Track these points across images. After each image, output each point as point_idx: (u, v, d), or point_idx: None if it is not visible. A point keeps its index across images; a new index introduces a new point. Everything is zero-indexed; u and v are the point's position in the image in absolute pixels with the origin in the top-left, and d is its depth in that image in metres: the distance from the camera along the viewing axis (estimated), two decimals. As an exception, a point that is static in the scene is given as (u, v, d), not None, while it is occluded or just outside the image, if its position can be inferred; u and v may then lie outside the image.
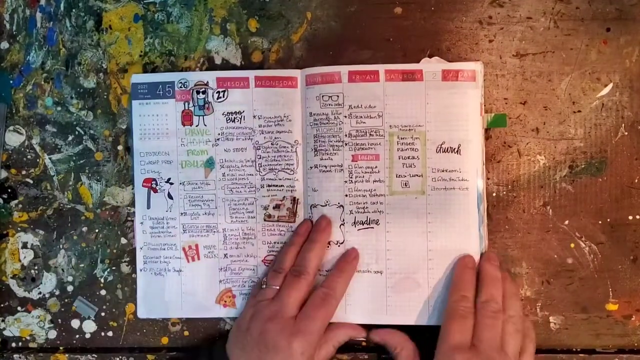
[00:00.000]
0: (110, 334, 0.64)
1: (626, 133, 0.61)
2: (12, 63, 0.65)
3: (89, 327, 0.64)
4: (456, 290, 0.57)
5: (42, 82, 0.64)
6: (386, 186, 0.60)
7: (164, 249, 0.63)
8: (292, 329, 0.54)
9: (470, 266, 0.58)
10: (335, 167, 0.60)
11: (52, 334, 0.65)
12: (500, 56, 0.61)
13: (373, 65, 0.60)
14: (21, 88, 0.64)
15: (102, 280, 0.64)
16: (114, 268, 0.64)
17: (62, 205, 0.64)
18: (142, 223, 0.63)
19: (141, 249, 0.63)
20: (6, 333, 0.65)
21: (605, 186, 0.61)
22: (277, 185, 0.62)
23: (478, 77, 0.59)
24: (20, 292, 0.65)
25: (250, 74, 0.62)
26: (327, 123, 0.60)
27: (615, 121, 0.61)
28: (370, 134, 0.60)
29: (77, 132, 0.64)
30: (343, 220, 0.60)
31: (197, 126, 0.63)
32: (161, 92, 0.63)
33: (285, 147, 0.62)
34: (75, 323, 0.64)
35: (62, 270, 0.64)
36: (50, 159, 0.64)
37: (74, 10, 0.64)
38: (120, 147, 0.64)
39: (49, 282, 0.65)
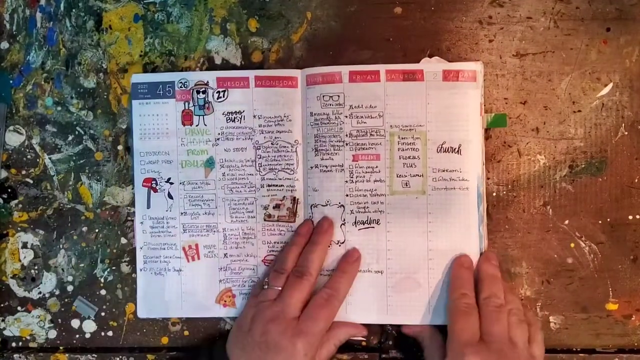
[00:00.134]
0: (110, 333, 0.64)
1: (626, 133, 0.61)
2: (12, 63, 0.65)
3: (89, 327, 0.64)
4: (455, 289, 0.57)
5: (42, 82, 0.64)
6: (387, 186, 0.60)
7: (164, 249, 0.63)
8: (295, 330, 0.54)
9: (467, 265, 0.59)
10: (336, 167, 0.60)
11: (52, 334, 0.65)
12: (500, 56, 0.61)
13: (374, 65, 0.60)
14: (21, 88, 0.64)
15: (102, 280, 0.64)
16: (114, 268, 0.64)
17: (62, 205, 0.64)
18: (142, 223, 0.63)
19: (141, 248, 0.63)
20: (6, 333, 0.65)
21: (605, 186, 0.61)
22: (277, 185, 0.62)
23: (478, 77, 0.59)
24: (20, 292, 0.65)
25: (250, 73, 0.62)
26: (327, 123, 0.61)
27: (615, 121, 0.61)
28: (371, 134, 0.60)
29: (77, 132, 0.64)
30: (344, 220, 0.60)
31: (197, 126, 0.63)
32: (161, 92, 0.63)
33: (285, 147, 0.62)
34: (75, 323, 0.64)
35: (62, 270, 0.64)
36: (50, 159, 0.64)
37: (74, 10, 0.64)
38: (120, 147, 0.64)
39: (49, 282, 0.64)
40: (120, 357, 0.64)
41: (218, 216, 0.63)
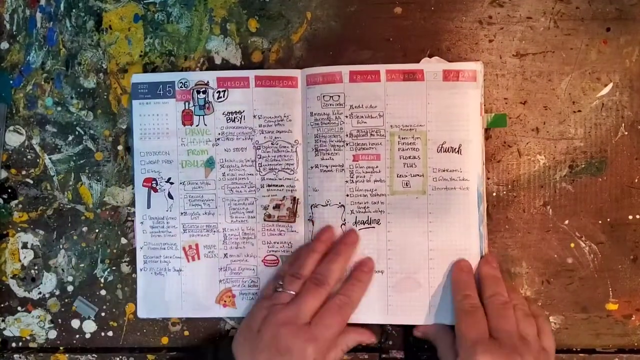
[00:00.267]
0: (110, 334, 0.64)
1: (626, 133, 0.61)
2: (12, 63, 0.65)
3: (89, 327, 0.64)
4: (458, 291, 0.57)
5: (42, 82, 0.64)
6: (387, 186, 0.60)
7: (164, 249, 0.63)
8: (307, 335, 0.54)
9: (466, 269, 0.59)
10: (336, 167, 0.60)
11: (52, 334, 0.65)
12: (500, 56, 0.61)
13: (374, 65, 0.60)
14: (21, 88, 0.64)
15: (102, 280, 0.64)
16: (114, 268, 0.64)
17: (62, 205, 0.64)
18: (142, 223, 0.63)
19: (141, 248, 0.63)
20: (6, 333, 0.65)
21: (605, 186, 0.61)
22: (277, 185, 0.62)
23: (478, 77, 0.59)
24: (20, 292, 0.65)
25: (251, 73, 0.62)
26: (328, 123, 0.61)
27: (615, 121, 0.61)
28: (371, 134, 0.60)
29: (77, 132, 0.64)
30: (344, 220, 0.60)
31: (197, 126, 0.63)
32: (161, 92, 0.63)
33: (285, 146, 0.62)
34: (75, 323, 0.64)
35: (62, 270, 0.64)
36: (50, 159, 0.64)
37: (74, 10, 0.64)
38: (120, 147, 0.64)
39: (49, 282, 0.64)
40: (120, 357, 0.64)
41: (218, 216, 0.63)
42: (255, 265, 0.63)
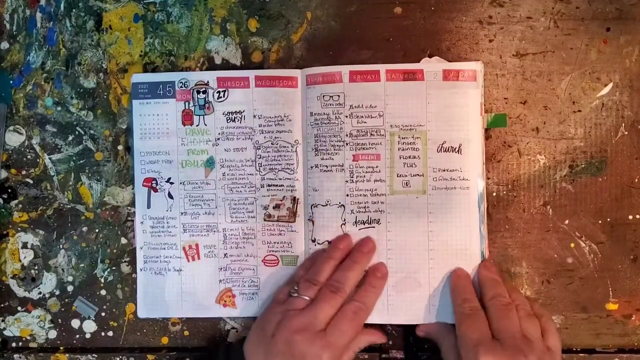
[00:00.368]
0: (110, 334, 0.64)
1: (626, 133, 0.61)
2: (12, 63, 0.65)
3: (89, 327, 0.64)
4: (457, 296, 0.57)
5: (42, 82, 0.64)
6: (387, 186, 0.60)
7: (164, 249, 0.63)
8: (322, 342, 0.53)
9: (464, 276, 0.59)
10: (336, 167, 0.60)
11: (52, 334, 0.65)
12: (500, 56, 0.62)
13: (374, 65, 0.60)
14: (21, 88, 0.64)
15: (102, 280, 0.64)
16: (114, 268, 0.64)
17: (62, 205, 0.64)
18: (142, 223, 0.63)
19: (141, 248, 0.63)
20: (6, 333, 0.65)
21: (605, 186, 0.61)
22: (277, 185, 0.62)
23: (478, 76, 0.59)
24: (20, 292, 0.65)
25: (251, 73, 0.62)
26: (328, 123, 0.61)
27: (615, 121, 0.61)
28: (371, 134, 0.60)
29: (77, 132, 0.64)
30: (344, 219, 0.60)
31: (197, 126, 0.63)
32: (161, 92, 0.63)
33: (285, 146, 0.62)
34: (75, 323, 0.64)
35: (62, 270, 0.64)
36: (50, 159, 0.64)
37: (74, 10, 0.64)
38: (120, 147, 0.64)
39: (49, 282, 0.64)
40: (121, 357, 0.64)
41: (218, 216, 0.63)
42: (255, 265, 0.63)
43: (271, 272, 0.62)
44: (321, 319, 0.54)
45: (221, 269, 0.63)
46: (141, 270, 0.63)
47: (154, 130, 0.63)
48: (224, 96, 0.62)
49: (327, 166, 0.61)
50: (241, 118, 0.62)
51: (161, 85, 0.63)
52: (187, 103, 0.62)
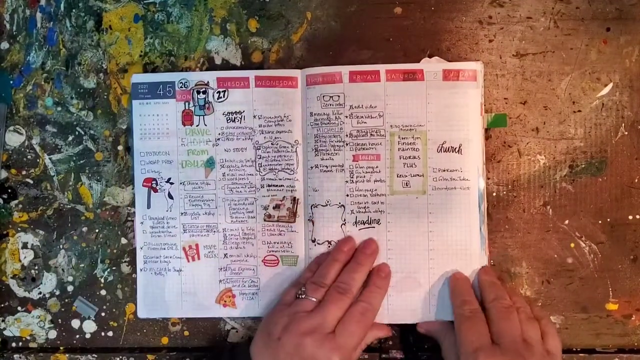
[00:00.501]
0: (110, 334, 0.64)
1: (626, 133, 0.61)
2: (12, 63, 0.65)
3: (89, 327, 0.64)
4: (456, 298, 0.57)
5: (42, 82, 0.64)
6: (387, 186, 0.60)
7: (164, 249, 0.63)
8: (332, 345, 0.53)
9: (462, 278, 0.59)
10: (336, 167, 0.60)
11: (52, 334, 0.65)
12: (500, 56, 0.61)
13: (374, 65, 0.60)
14: (21, 88, 0.64)
15: (102, 280, 0.64)
16: (114, 268, 0.64)
17: (62, 205, 0.64)
18: (142, 223, 0.63)
19: (141, 248, 0.63)
20: (6, 333, 0.65)
21: (605, 186, 0.61)
22: (277, 185, 0.62)
23: (478, 76, 0.59)
24: (20, 292, 0.65)
25: (251, 74, 0.62)
26: (328, 123, 0.61)
27: (615, 121, 0.61)
28: (371, 134, 0.60)
29: (77, 132, 0.64)
30: (344, 220, 0.60)
31: (197, 126, 0.63)
32: (162, 92, 0.63)
33: (285, 147, 0.62)
34: (75, 323, 0.64)
35: (62, 270, 0.64)
36: (50, 159, 0.64)
37: (74, 10, 0.64)
38: (120, 147, 0.64)
39: (49, 282, 0.64)
40: (120, 357, 0.64)
41: (218, 216, 0.63)
42: (255, 265, 0.63)
43: (271, 272, 0.62)
44: (330, 321, 0.54)
45: (221, 269, 0.63)
46: (141, 270, 0.63)
47: (154, 130, 0.63)
48: (224, 96, 0.62)
49: (327, 166, 0.61)
50: (241, 118, 0.62)
51: (161, 86, 0.63)
52: (187, 103, 0.62)
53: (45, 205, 0.65)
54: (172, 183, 0.63)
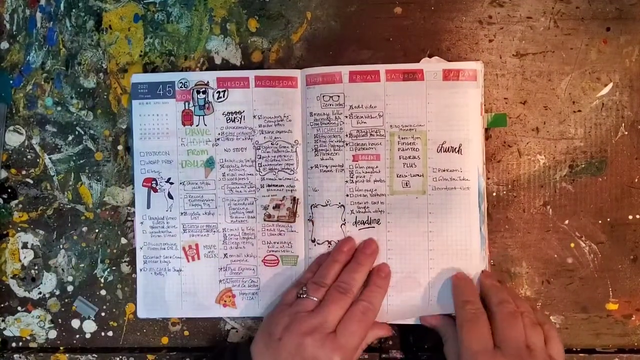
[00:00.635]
0: (110, 334, 0.64)
1: (626, 133, 0.61)
2: (12, 63, 0.65)
3: (89, 327, 0.64)
4: (458, 298, 0.57)
5: (42, 82, 0.64)
6: (387, 186, 0.60)
7: (164, 249, 0.63)
8: (333, 345, 0.53)
9: (464, 278, 0.58)
10: (336, 167, 0.60)
11: (52, 334, 0.65)
12: (500, 56, 0.61)
13: (374, 65, 0.60)
14: (21, 88, 0.64)
15: (102, 280, 0.64)
16: (114, 268, 0.64)
17: (62, 205, 0.64)
18: (142, 223, 0.63)
19: (141, 248, 0.63)
20: (6, 333, 0.65)
21: (605, 186, 0.61)
22: (277, 185, 0.62)
23: (479, 76, 0.59)
24: (20, 292, 0.65)
25: (250, 74, 0.62)
26: (328, 123, 0.61)
27: (615, 121, 0.61)
28: (371, 134, 0.60)
29: (77, 132, 0.64)
30: (344, 220, 0.60)
31: (197, 126, 0.63)
32: (161, 92, 0.63)
33: (285, 147, 0.62)
34: (75, 323, 0.64)
35: (62, 270, 0.64)
36: (50, 159, 0.64)
37: (74, 10, 0.64)
38: (120, 147, 0.64)
39: (49, 282, 0.64)
40: (120, 357, 0.64)
41: (218, 216, 0.63)
42: (255, 265, 0.63)
43: (271, 272, 0.62)
44: (331, 321, 0.54)
45: (221, 269, 0.63)
46: (141, 270, 0.63)
47: (153, 130, 0.63)
48: (223, 96, 0.62)
49: (327, 166, 0.61)
50: (241, 118, 0.62)
51: (161, 86, 0.63)
52: (187, 103, 0.62)
53: (45, 205, 0.65)
54: (172, 183, 0.63)
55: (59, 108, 0.64)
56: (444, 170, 0.59)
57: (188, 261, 0.63)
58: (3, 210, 0.65)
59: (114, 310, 0.64)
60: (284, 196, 0.62)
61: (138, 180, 0.63)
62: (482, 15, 0.62)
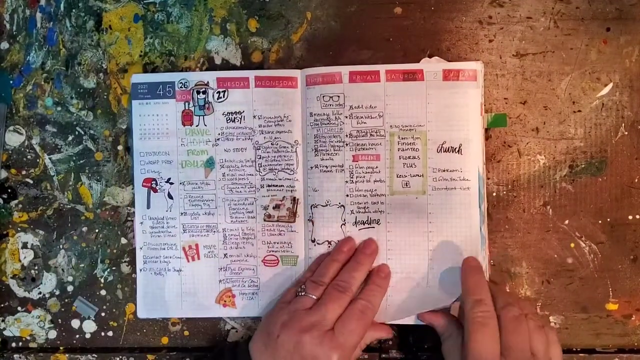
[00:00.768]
0: (110, 334, 0.64)
1: (626, 133, 0.61)
2: (12, 63, 0.65)
3: (89, 327, 0.64)
4: (469, 296, 0.54)
5: (42, 82, 0.64)
6: (387, 186, 0.60)
7: (164, 249, 0.63)
8: (332, 343, 0.53)
9: (477, 269, 0.56)
10: (336, 167, 0.60)
11: (52, 334, 0.65)
12: (500, 56, 0.61)
13: (374, 66, 0.60)
14: (21, 88, 0.64)
15: (102, 280, 0.64)
16: (114, 268, 0.64)
17: (62, 205, 0.64)
18: (142, 223, 0.63)
19: (141, 248, 0.63)
20: (6, 333, 0.65)
21: (605, 186, 0.61)
22: (277, 185, 0.62)
23: (479, 76, 0.59)
24: (20, 292, 0.65)
25: (250, 74, 0.62)
26: (328, 123, 0.61)
27: (615, 121, 0.61)
28: (371, 134, 0.60)
29: (77, 132, 0.64)
30: (344, 220, 0.60)
31: (197, 126, 0.63)
32: (161, 92, 0.63)
33: (285, 147, 0.62)
34: (75, 323, 0.64)
35: (62, 270, 0.64)
36: (50, 159, 0.64)
37: (74, 10, 0.64)
38: (120, 147, 0.64)
39: (49, 282, 0.64)
40: (120, 357, 0.64)
41: (218, 216, 0.63)
42: (255, 265, 0.63)
43: (271, 272, 0.62)
44: (329, 318, 0.54)
45: (221, 269, 0.63)
46: (141, 270, 0.63)
47: (153, 130, 0.63)
48: (223, 96, 0.62)
49: (327, 166, 0.61)
50: (241, 118, 0.62)
51: (161, 86, 0.63)
52: (187, 103, 0.62)
53: (45, 205, 0.65)
54: (171, 183, 0.63)
55: (59, 108, 0.64)
56: (444, 171, 0.59)
57: (188, 261, 0.63)
58: (3, 210, 0.65)
59: (114, 310, 0.64)
60: (284, 196, 0.62)
61: (138, 180, 0.63)
62: (482, 16, 0.62)
